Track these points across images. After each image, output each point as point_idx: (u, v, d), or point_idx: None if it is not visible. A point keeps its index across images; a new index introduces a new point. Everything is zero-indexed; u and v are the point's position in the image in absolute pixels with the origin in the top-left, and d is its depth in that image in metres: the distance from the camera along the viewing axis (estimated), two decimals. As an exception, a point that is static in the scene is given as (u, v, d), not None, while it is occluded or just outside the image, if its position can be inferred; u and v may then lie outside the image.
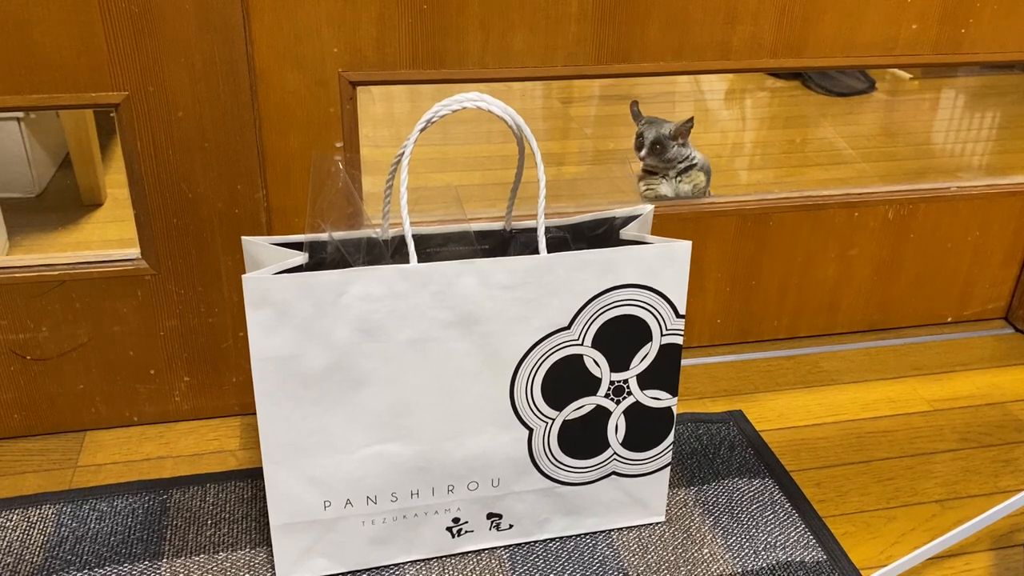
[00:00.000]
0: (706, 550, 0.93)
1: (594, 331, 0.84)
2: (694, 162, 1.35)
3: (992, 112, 2.33)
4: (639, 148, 1.35)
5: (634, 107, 1.40)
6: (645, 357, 0.87)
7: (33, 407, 1.05)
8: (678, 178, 1.33)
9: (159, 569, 0.88)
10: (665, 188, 1.32)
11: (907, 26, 1.10)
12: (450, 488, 0.87)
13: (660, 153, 1.33)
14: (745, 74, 2.49)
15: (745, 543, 0.94)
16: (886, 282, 1.30)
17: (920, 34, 1.11)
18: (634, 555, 0.92)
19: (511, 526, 0.92)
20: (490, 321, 0.82)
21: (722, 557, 0.92)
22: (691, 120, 1.34)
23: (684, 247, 0.84)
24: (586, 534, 0.94)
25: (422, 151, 1.94)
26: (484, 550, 0.92)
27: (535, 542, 0.93)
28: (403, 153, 0.79)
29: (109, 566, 0.89)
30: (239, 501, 0.97)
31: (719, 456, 1.06)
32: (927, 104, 2.37)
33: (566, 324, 0.83)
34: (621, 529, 0.95)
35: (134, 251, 1.01)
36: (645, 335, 0.86)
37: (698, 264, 1.21)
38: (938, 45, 1.12)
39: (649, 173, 1.37)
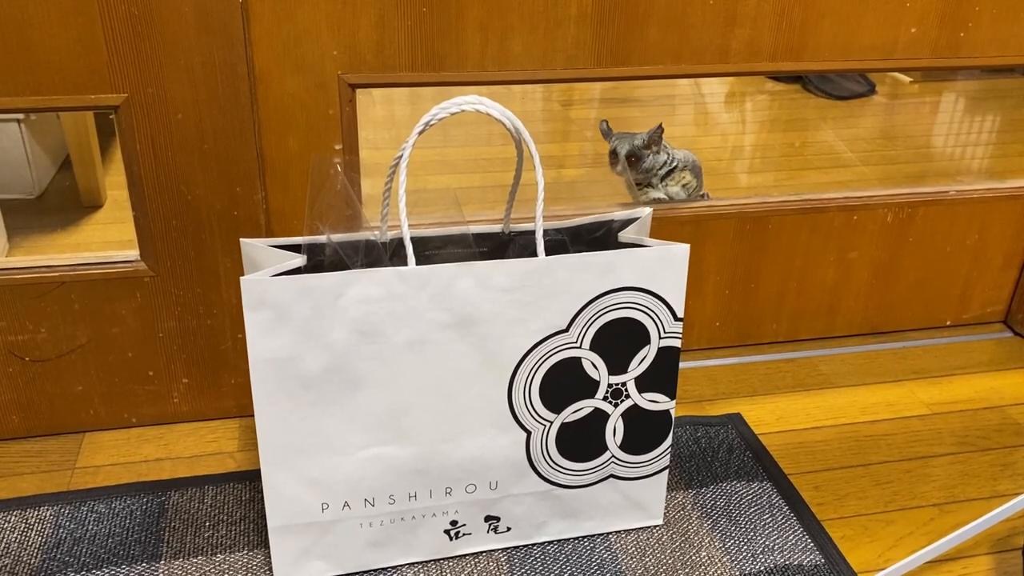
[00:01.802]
0: (704, 553, 0.93)
1: (592, 334, 0.84)
2: (674, 164, 1.35)
3: (992, 116, 2.33)
4: (614, 164, 1.36)
5: (603, 125, 1.41)
6: (643, 360, 0.87)
7: (32, 408, 1.05)
8: (663, 183, 1.33)
9: (157, 571, 0.88)
10: (656, 193, 1.32)
11: (906, 29, 1.10)
12: (448, 490, 0.87)
13: (636, 164, 1.33)
14: (745, 77, 2.49)
15: (743, 546, 0.94)
16: (885, 285, 1.30)
17: (919, 37, 1.11)
18: (632, 558, 0.92)
19: (509, 529, 0.92)
20: (488, 323, 0.82)
21: (720, 560, 0.92)
22: (660, 127, 1.34)
23: (682, 250, 0.84)
24: (584, 537, 0.94)
25: (422, 153, 1.94)
26: (482, 553, 0.92)
27: (533, 545, 0.93)
28: (401, 156, 0.80)
29: (107, 568, 0.89)
30: (237, 503, 0.97)
31: (717, 459, 1.06)
32: (927, 108, 2.37)
33: (564, 327, 0.83)
34: (619, 532, 0.95)
35: (133, 253, 1.01)
36: (643, 338, 0.86)
37: (697, 267, 1.21)
38: (937, 48, 1.12)
39: (638, 184, 1.37)
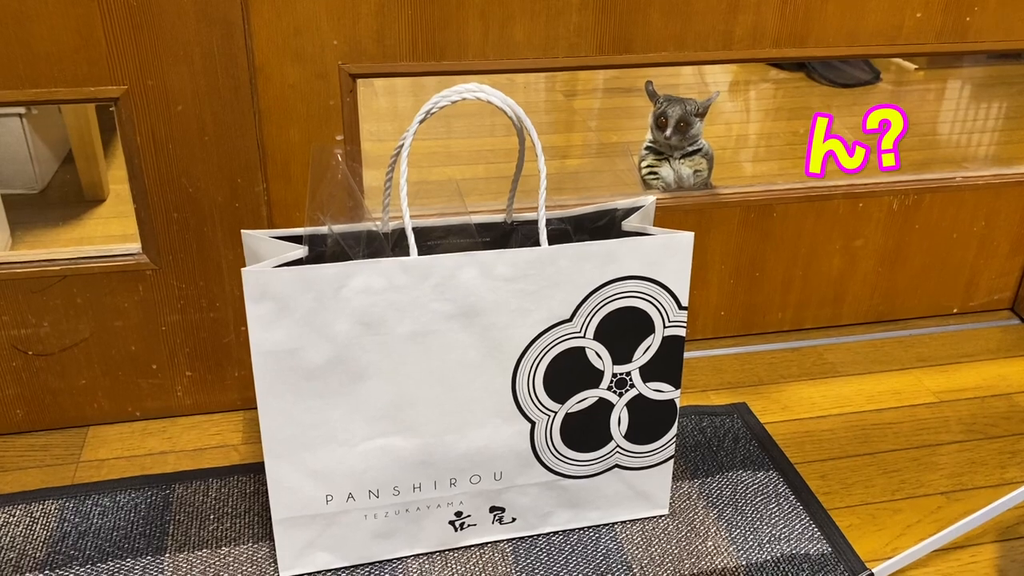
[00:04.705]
0: (710, 543, 0.93)
1: (596, 323, 0.84)
2: (700, 146, 1.34)
3: (998, 102, 2.32)
4: (662, 128, 1.31)
5: (649, 86, 1.36)
6: (648, 349, 0.86)
7: (35, 402, 1.05)
8: (682, 160, 1.31)
9: (161, 564, 0.88)
10: (667, 170, 1.31)
11: (911, 14, 1.09)
12: (452, 481, 0.87)
13: (685, 131, 1.30)
14: (749, 65, 2.48)
15: (749, 536, 0.93)
16: (891, 273, 1.30)
17: (924, 22, 1.10)
18: (638, 548, 0.92)
19: (514, 519, 0.91)
20: (491, 313, 0.81)
21: (726, 550, 0.92)
22: (717, 93, 1.32)
23: (686, 238, 0.84)
24: (589, 527, 0.94)
25: (425, 144, 1.94)
26: (487, 543, 0.92)
27: (538, 535, 0.93)
28: (402, 145, 0.79)
29: (112, 561, 0.89)
30: (241, 495, 0.97)
31: (723, 448, 1.06)
32: (932, 95, 2.35)
33: (568, 316, 0.83)
34: (625, 522, 0.95)
35: (135, 246, 1.01)
36: (647, 327, 0.86)
37: (701, 256, 1.20)
38: (942, 33, 1.11)
39: (653, 152, 1.35)
